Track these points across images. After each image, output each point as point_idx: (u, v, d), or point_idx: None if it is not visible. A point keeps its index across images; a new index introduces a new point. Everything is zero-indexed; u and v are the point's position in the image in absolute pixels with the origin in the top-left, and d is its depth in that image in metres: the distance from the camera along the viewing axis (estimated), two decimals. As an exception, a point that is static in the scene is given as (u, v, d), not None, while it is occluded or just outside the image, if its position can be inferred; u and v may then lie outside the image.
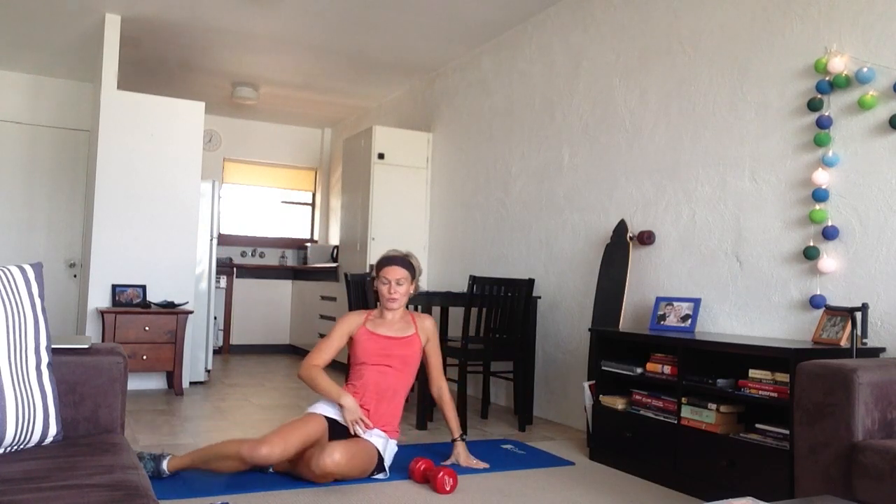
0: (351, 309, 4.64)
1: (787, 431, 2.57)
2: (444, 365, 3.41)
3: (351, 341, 3.18)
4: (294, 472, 2.91)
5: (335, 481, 2.85)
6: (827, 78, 2.99)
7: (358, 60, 6.00)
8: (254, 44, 5.66)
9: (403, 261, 3.20)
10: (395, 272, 3.16)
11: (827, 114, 2.99)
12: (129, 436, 3.64)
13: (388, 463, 3.00)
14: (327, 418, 2.99)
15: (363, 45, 5.62)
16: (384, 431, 3.04)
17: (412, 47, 5.62)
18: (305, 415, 3.01)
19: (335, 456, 2.73)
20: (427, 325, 3.26)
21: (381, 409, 3.05)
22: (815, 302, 2.98)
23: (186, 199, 5.31)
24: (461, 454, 3.23)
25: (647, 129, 3.92)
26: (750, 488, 2.67)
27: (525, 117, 4.99)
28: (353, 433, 2.94)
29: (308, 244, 8.11)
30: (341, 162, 7.16)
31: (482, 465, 3.22)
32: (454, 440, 3.27)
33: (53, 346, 1.94)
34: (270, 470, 2.98)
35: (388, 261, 3.19)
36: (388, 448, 3.03)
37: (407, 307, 3.43)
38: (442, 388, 3.29)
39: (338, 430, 2.99)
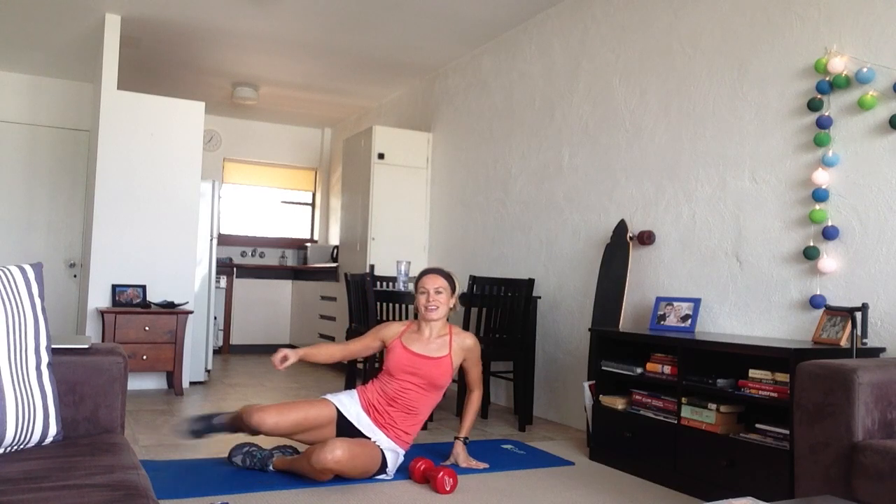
0: (350, 309, 4.65)
1: (787, 431, 2.57)
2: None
3: (386, 349, 3.21)
4: (294, 469, 2.91)
5: (336, 479, 2.85)
6: (827, 78, 2.98)
7: (358, 60, 6.00)
8: (254, 44, 5.66)
9: (441, 270, 3.25)
10: (434, 280, 3.19)
11: (827, 114, 2.99)
12: (129, 436, 3.64)
13: (392, 471, 3.00)
14: (340, 412, 3.01)
15: (363, 45, 5.62)
16: (396, 441, 3.03)
17: (412, 47, 5.62)
18: (318, 398, 3.06)
19: (336, 452, 2.73)
20: (467, 345, 3.23)
21: (395, 417, 3.06)
22: (815, 302, 2.98)
23: (186, 199, 5.31)
24: (460, 454, 3.23)
25: (647, 129, 3.92)
26: (750, 488, 2.67)
27: (525, 117, 4.99)
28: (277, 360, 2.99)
29: (308, 244, 8.11)
30: (341, 162, 7.16)
31: (481, 465, 3.22)
32: (456, 438, 3.27)
33: (53, 346, 1.94)
34: (270, 468, 2.98)
35: (425, 271, 3.25)
36: (398, 458, 3.04)
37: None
38: (474, 394, 3.31)
39: (346, 429, 3.00)
